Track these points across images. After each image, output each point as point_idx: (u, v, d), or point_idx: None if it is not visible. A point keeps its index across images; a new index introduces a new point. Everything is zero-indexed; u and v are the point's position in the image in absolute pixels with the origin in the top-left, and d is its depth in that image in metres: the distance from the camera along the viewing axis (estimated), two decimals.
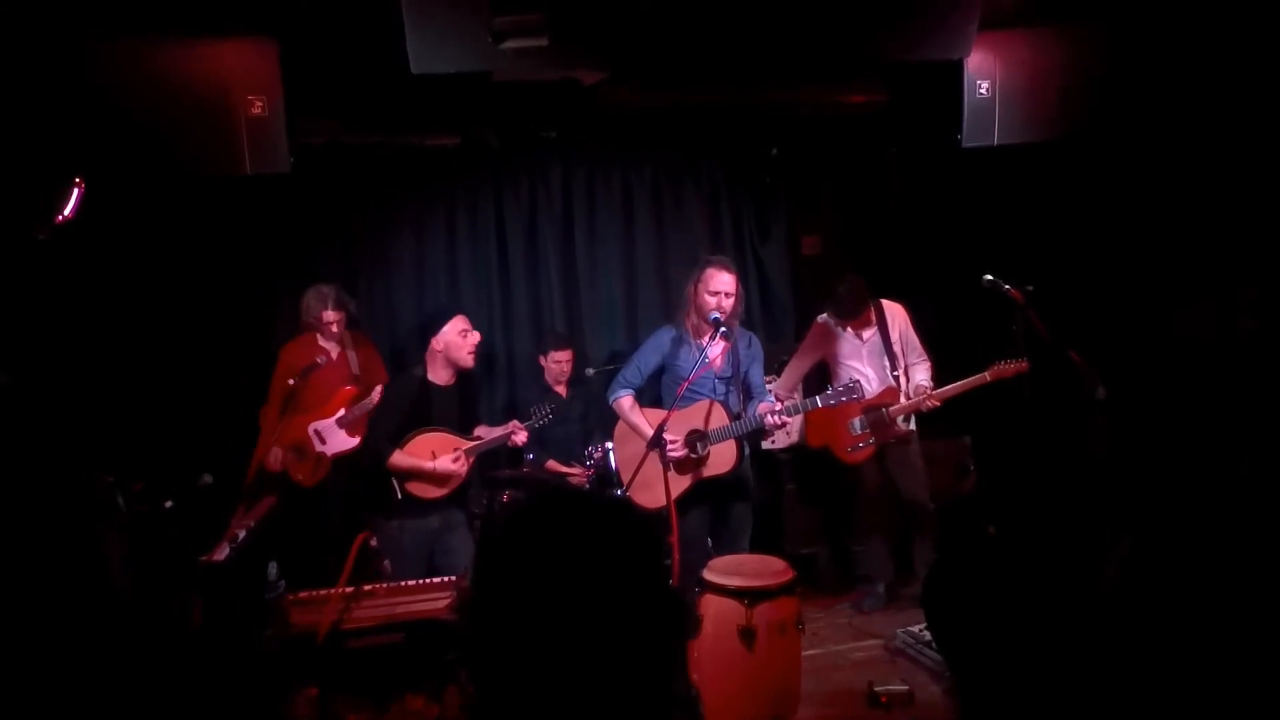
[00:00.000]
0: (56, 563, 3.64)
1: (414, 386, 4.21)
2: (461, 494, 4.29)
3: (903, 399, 4.81)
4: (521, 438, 4.30)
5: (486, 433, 4.34)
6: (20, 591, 3.33)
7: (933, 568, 1.38)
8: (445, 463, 4.09)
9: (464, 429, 4.26)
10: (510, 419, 5.67)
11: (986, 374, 4.61)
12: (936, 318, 5.34)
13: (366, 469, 4.21)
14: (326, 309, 4.79)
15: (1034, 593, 1.22)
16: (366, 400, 4.60)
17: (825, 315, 5.01)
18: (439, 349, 4.17)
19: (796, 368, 5.04)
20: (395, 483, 4.13)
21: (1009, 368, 4.56)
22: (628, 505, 1.32)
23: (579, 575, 1.03)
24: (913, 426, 4.95)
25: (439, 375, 4.21)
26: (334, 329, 4.82)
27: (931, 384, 4.78)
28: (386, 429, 4.13)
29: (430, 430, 4.15)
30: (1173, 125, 4.36)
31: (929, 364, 4.96)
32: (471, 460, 4.21)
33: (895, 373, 4.88)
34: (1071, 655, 1.16)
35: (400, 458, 4.08)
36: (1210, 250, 4.82)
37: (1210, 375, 4.79)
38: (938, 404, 4.72)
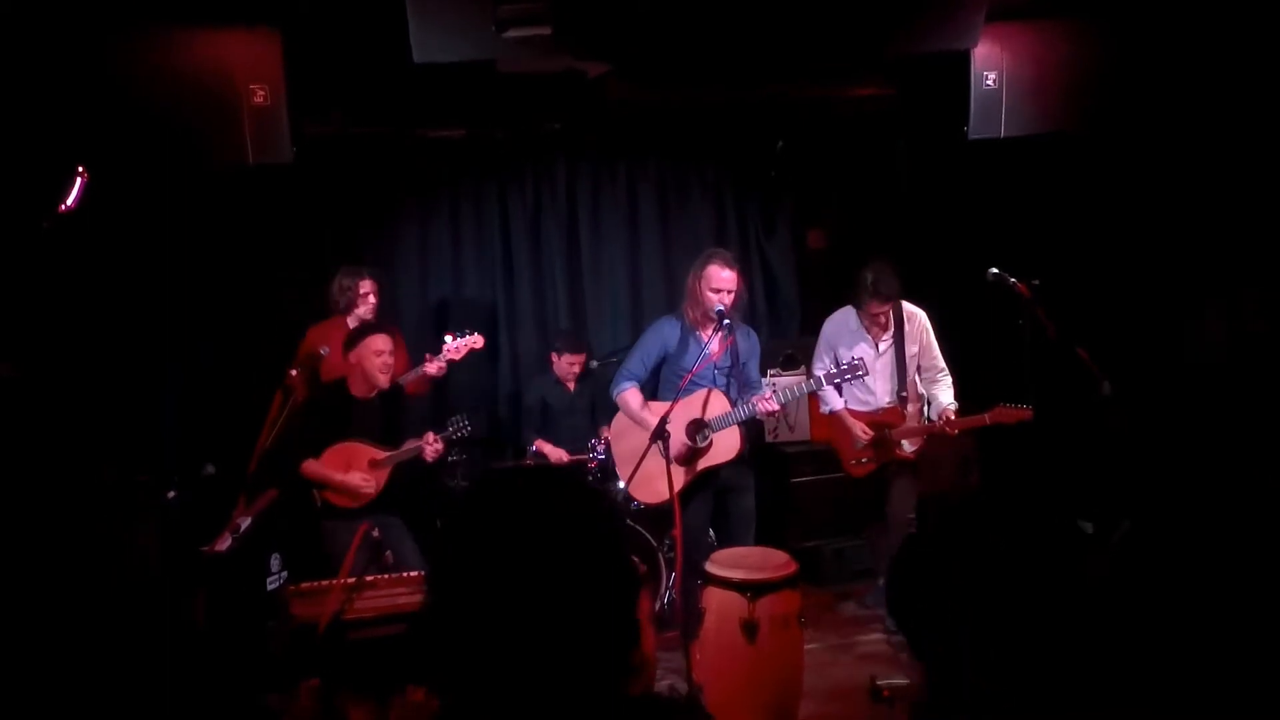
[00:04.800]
0: (64, 554, 3.64)
1: (333, 397, 4.21)
2: (391, 501, 4.21)
3: (909, 421, 4.57)
4: (435, 450, 4.16)
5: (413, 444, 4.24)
6: (25, 581, 3.33)
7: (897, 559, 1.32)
8: (354, 478, 4.09)
9: (390, 440, 4.20)
10: (516, 413, 5.69)
11: (985, 416, 4.35)
12: (942, 312, 5.30)
13: (281, 474, 4.18)
14: (363, 278, 4.82)
15: (1020, 579, 1.20)
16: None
17: (851, 306, 4.68)
18: (354, 363, 4.16)
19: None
20: (315, 491, 4.15)
21: (1010, 413, 4.29)
22: (577, 475, 1.34)
23: (528, 547, 1.06)
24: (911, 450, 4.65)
25: (358, 388, 4.20)
26: (371, 299, 4.82)
27: (956, 404, 4.50)
28: (302, 437, 4.12)
29: (349, 441, 4.16)
30: (1180, 119, 4.33)
31: (951, 380, 4.65)
32: (386, 471, 4.16)
33: (903, 393, 4.61)
34: (1055, 642, 1.15)
35: (311, 465, 4.10)
36: (1218, 247, 4.78)
37: (1219, 373, 4.75)
38: (953, 433, 4.46)
